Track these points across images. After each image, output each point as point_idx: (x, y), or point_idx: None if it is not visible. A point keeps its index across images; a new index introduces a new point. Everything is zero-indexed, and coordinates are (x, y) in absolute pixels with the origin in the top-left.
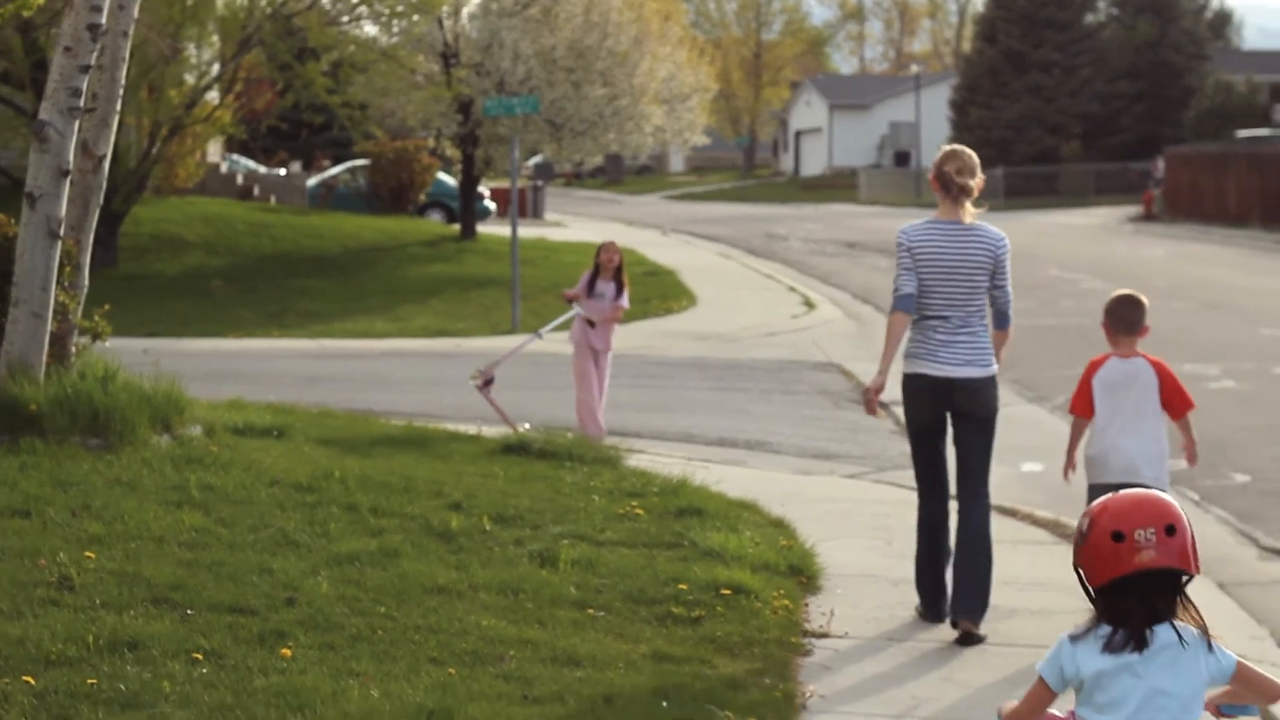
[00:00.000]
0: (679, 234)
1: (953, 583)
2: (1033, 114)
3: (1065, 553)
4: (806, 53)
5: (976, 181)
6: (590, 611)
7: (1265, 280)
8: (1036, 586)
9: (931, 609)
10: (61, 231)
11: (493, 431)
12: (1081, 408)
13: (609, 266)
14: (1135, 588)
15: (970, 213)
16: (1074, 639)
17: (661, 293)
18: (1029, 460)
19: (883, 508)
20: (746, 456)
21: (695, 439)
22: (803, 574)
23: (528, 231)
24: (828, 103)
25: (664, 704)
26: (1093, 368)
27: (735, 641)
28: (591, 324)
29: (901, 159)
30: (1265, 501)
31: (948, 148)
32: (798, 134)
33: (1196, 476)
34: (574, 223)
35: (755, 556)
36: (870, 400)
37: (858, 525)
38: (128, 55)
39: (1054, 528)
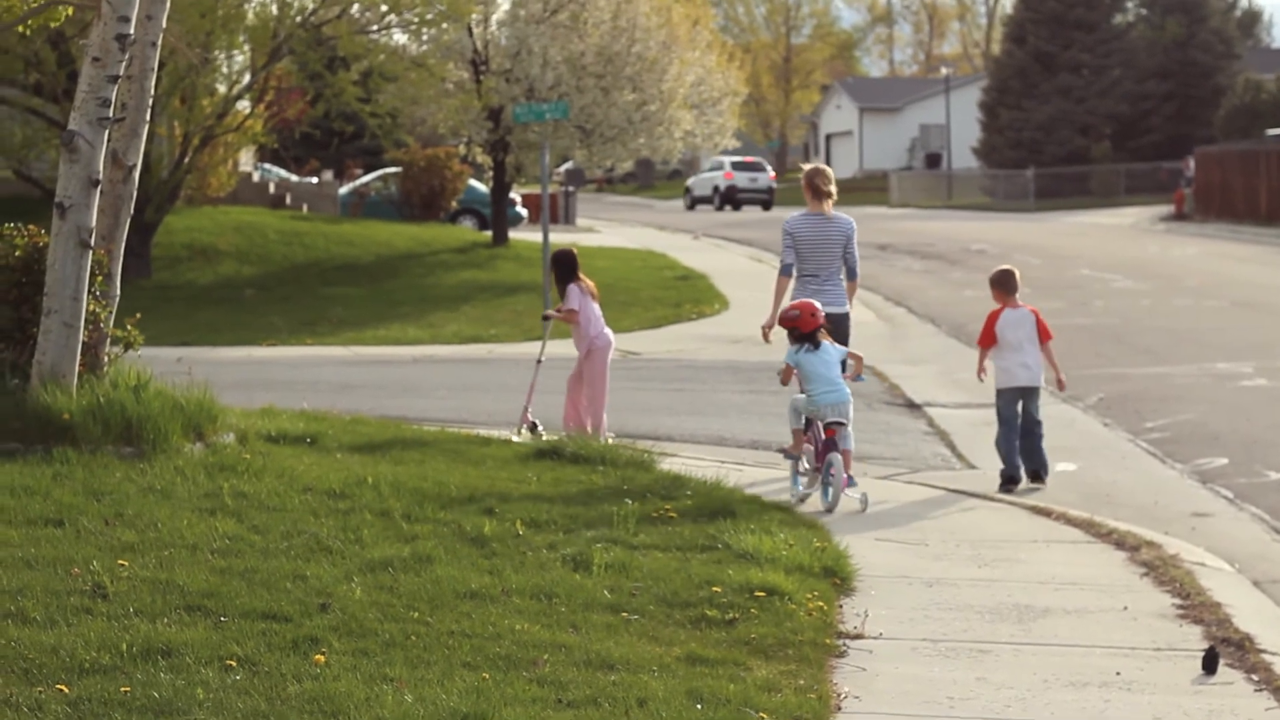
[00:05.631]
0: (710, 238)
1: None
2: (1062, 115)
3: (1099, 551)
4: (836, 56)
5: (833, 188)
6: (624, 615)
7: None
8: (1071, 586)
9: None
10: (92, 241)
11: (525, 437)
12: (988, 342)
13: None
14: (812, 332)
15: (829, 207)
16: (795, 351)
17: (693, 297)
18: (1063, 460)
19: (916, 508)
20: (780, 459)
21: (728, 442)
22: (836, 575)
23: (560, 237)
24: (858, 106)
25: (698, 707)
26: (995, 316)
27: (769, 644)
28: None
29: (932, 161)
30: None
31: (813, 165)
32: (828, 137)
33: (1230, 474)
34: (606, 228)
35: (789, 558)
36: (765, 332)
37: (891, 526)
38: (157, 65)
39: (1087, 527)
